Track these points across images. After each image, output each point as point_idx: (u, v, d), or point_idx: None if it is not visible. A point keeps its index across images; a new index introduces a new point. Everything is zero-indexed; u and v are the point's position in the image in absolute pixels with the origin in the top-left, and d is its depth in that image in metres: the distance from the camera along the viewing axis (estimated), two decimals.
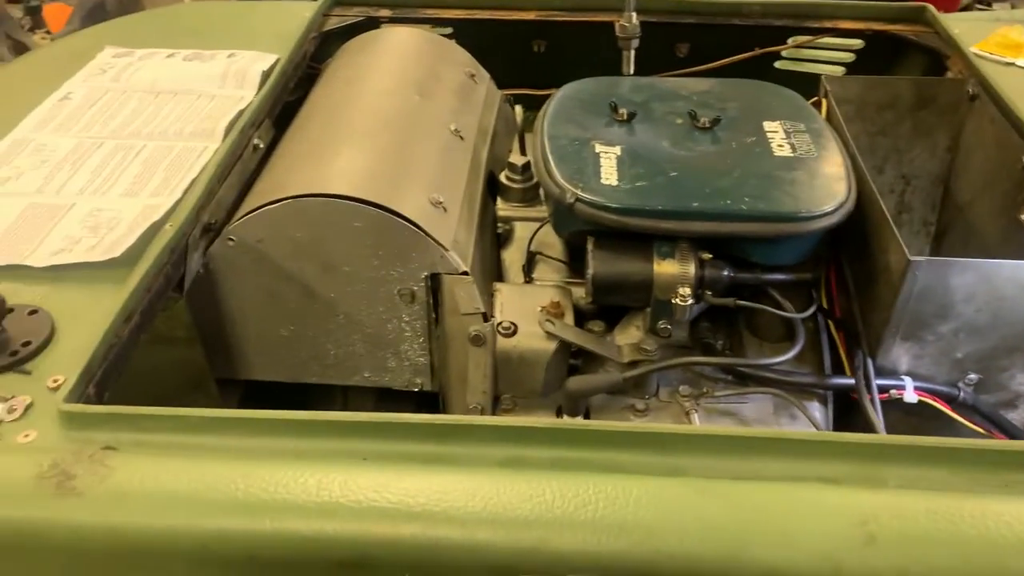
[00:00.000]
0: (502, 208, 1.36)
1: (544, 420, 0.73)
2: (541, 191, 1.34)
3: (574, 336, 1.06)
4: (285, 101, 1.31)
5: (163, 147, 1.11)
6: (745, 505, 0.66)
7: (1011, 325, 0.95)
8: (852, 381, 1.02)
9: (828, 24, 1.52)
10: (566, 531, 0.64)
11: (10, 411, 0.74)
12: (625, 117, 1.16)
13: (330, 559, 0.65)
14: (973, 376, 1.00)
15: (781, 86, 1.27)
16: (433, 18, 1.57)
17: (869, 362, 1.01)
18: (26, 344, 0.80)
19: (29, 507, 0.66)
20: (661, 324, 1.05)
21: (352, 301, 1.05)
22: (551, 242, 1.27)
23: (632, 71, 1.38)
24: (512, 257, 1.30)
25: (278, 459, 0.69)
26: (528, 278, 1.25)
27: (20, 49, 3.14)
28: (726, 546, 0.63)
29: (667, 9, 1.51)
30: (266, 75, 1.28)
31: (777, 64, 1.57)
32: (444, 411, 1.12)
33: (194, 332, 1.04)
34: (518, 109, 1.40)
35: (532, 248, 1.27)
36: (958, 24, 1.43)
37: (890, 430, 0.96)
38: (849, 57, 1.54)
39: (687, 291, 1.01)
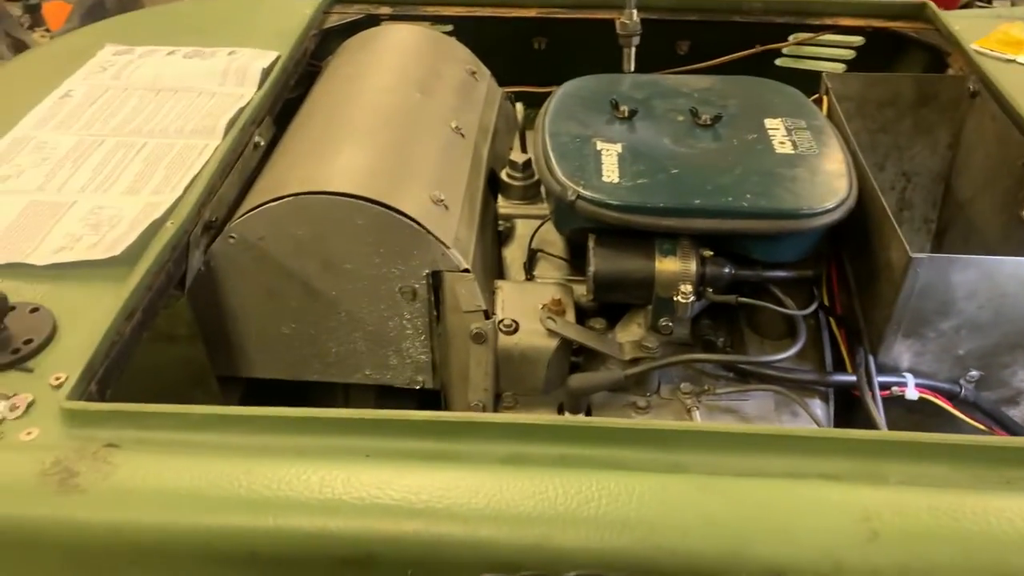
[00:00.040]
0: (503, 206, 1.36)
1: (546, 417, 0.73)
2: (542, 188, 1.34)
3: (575, 334, 1.06)
4: (286, 99, 1.31)
5: (164, 145, 1.11)
6: (747, 502, 0.66)
7: (1013, 322, 0.95)
8: (853, 378, 1.02)
9: (829, 21, 1.52)
10: (569, 528, 0.64)
11: (12, 409, 0.74)
12: (626, 114, 1.16)
13: (333, 556, 0.65)
14: (975, 373, 1.00)
15: (782, 83, 1.27)
16: (433, 15, 1.57)
17: (870, 359, 1.01)
18: (28, 342, 0.80)
19: (32, 504, 0.66)
20: (662, 321, 1.05)
21: (353, 299, 1.05)
22: (552, 240, 1.27)
23: (633, 68, 1.38)
24: (513, 255, 1.30)
25: (281, 456, 0.69)
26: (529, 276, 1.25)
27: (19, 47, 3.14)
28: (728, 543, 0.63)
29: (668, 6, 1.51)
30: (267, 72, 1.28)
31: (778, 61, 1.57)
32: (446, 409, 1.12)
33: (195, 330, 1.04)
34: (519, 106, 1.40)
35: (533, 246, 1.27)
36: (959, 21, 1.43)
37: (891, 427, 0.97)
38: (850, 54, 1.54)
39: (688, 288, 1.01)
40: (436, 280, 1.02)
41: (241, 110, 1.18)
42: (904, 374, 1.00)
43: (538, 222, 1.29)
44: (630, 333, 1.09)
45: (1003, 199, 1.17)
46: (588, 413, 1.06)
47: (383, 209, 0.98)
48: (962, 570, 0.62)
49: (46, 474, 0.67)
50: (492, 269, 1.23)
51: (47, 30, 3.44)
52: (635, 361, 1.05)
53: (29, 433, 0.72)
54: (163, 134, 1.14)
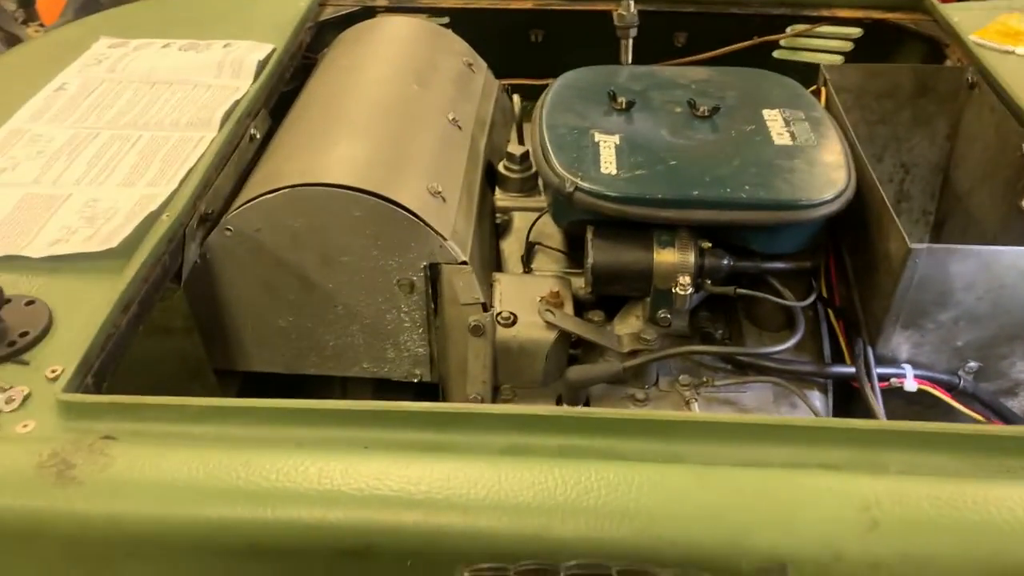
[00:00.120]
0: (500, 198, 1.36)
1: (546, 408, 0.73)
2: (540, 181, 1.33)
3: (574, 326, 1.06)
4: (281, 91, 1.30)
5: (159, 137, 1.10)
6: (746, 492, 0.65)
7: (1011, 313, 0.95)
8: (852, 369, 1.02)
9: (827, 13, 1.52)
10: (568, 518, 0.64)
11: (8, 401, 0.73)
12: (624, 106, 1.16)
13: (332, 547, 0.65)
14: (973, 364, 1.00)
15: (780, 75, 1.27)
16: (430, 7, 1.57)
17: (869, 350, 1.01)
18: (24, 335, 0.80)
19: (30, 496, 0.66)
20: (661, 313, 1.04)
21: (351, 291, 1.04)
22: (550, 232, 1.27)
23: (630, 60, 1.38)
24: (511, 247, 1.30)
25: (279, 448, 0.68)
26: (527, 268, 1.25)
27: (13, 42, 3.13)
28: (728, 533, 0.63)
29: None
30: (262, 65, 1.27)
31: (776, 53, 1.57)
32: (444, 402, 1.12)
33: (192, 322, 1.04)
34: (516, 99, 1.40)
35: (531, 238, 1.27)
36: (957, 12, 1.43)
37: (890, 418, 0.96)
38: (848, 46, 1.54)
39: (687, 280, 1.00)
40: (434, 272, 1.02)
41: (236, 102, 1.18)
42: (903, 365, 1.00)
43: (536, 215, 1.29)
44: (628, 325, 1.09)
45: (1002, 190, 1.17)
46: (586, 405, 1.06)
47: (380, 201, 0.97)
48: (962, 559, 0.62)
49: (43, 466, 0.67)
50: (490, 262, 1.23)
51: (41, 25, 3.42)
52: (633, 353, 1.05)
53: (25, 426, 0.71)
54: (158, 127, 1.13)
